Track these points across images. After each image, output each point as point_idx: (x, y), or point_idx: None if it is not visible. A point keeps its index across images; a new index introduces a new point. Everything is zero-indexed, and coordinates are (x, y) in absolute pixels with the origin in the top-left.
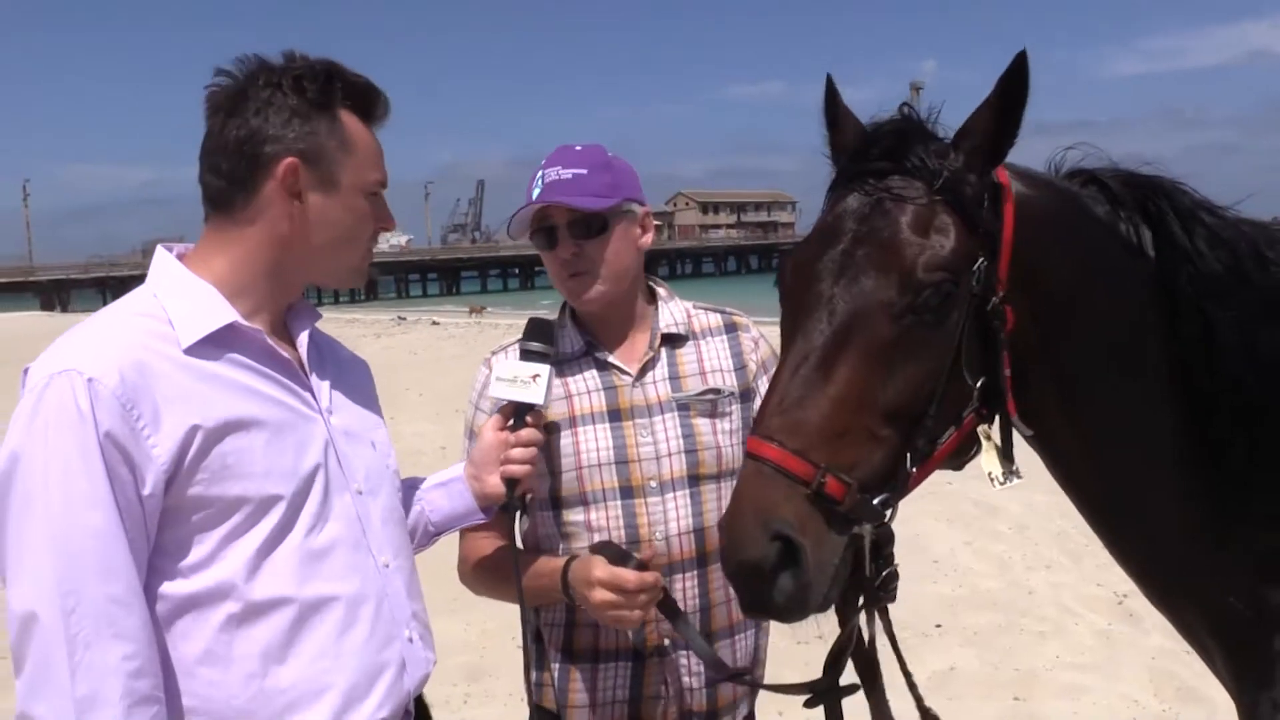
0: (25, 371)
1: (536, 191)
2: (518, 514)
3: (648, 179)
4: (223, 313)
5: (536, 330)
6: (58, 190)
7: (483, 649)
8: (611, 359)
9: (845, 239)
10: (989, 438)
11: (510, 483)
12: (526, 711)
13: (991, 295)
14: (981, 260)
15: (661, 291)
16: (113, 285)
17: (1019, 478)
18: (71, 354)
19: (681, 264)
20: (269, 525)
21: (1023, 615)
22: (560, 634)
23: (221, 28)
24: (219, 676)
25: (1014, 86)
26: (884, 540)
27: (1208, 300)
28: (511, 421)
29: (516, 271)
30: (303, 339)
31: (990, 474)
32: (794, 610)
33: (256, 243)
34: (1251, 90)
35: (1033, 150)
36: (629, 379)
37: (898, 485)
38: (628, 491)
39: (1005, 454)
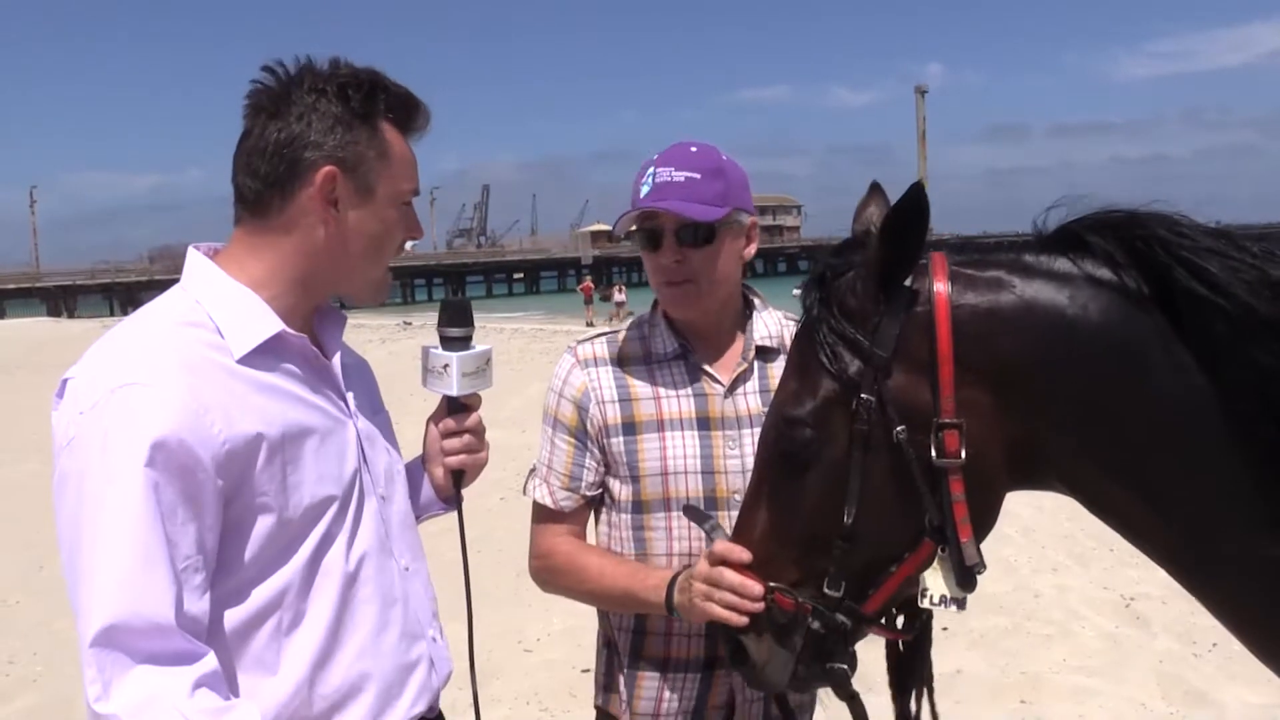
0: (63, 385)
1: (645, 189)
2: (459, 505)
3: None
4: (270, 322)
5: (448, 315)
6: (64, 196)
7: (489, 651)
8: (705, 367)
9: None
10: (939, 557)
11: (456, 474)
12: (530, 714)
13: (893, 427)
14: (861, 399)
15: (756, 301)
16: (119, 291)
17: (960, 608)
18: (128, 368)
19: None
20: (320, 531)
21: (1029, 618)
22: (629, 640)
23: (228, 34)
24: (267, 684)
25: (907, 219)
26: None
27: (1251, 344)
28: (445, 411)
29: (521, 276)
30: (335, 346)
31: (923, 590)
32: (763, 688)
33: (291, 248)
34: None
35: (1053, 150)
36: (720, 389)
37: (854, 602)
38: (711, 503)
39: (959, 579)
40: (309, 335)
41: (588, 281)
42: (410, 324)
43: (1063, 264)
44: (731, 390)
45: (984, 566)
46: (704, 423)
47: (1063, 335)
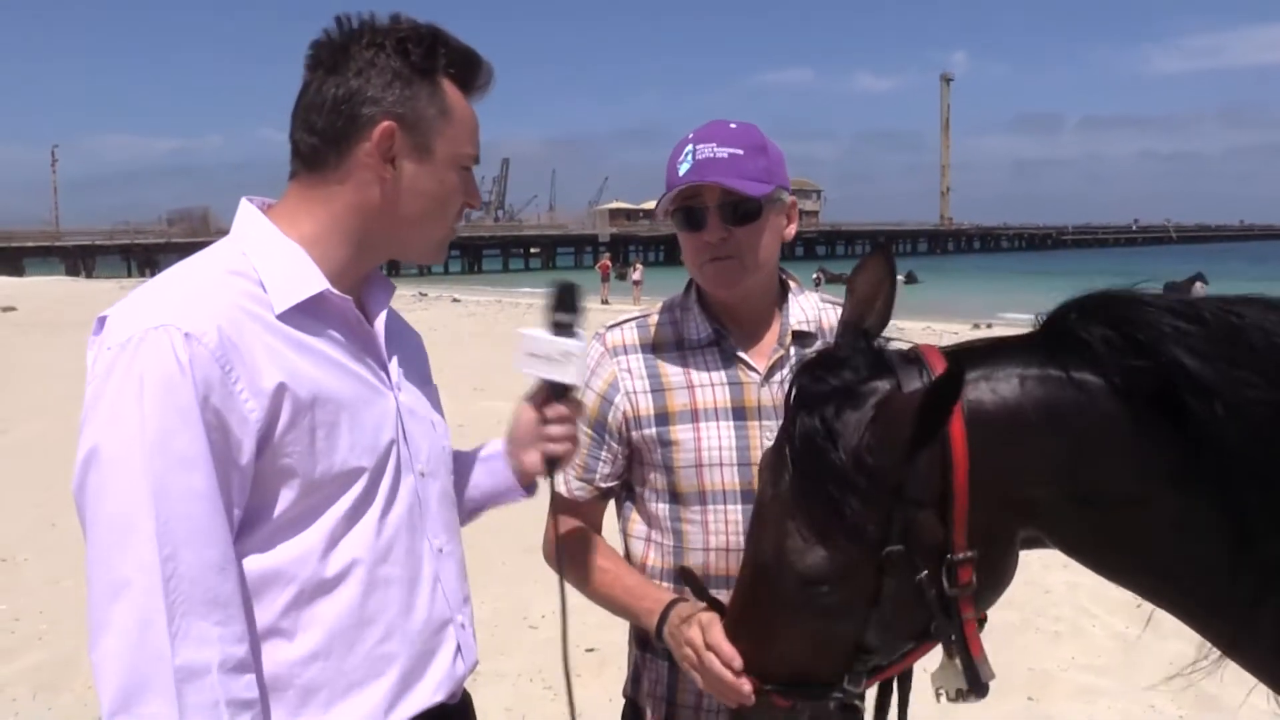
0: (101, 320)
1: (685, 168)
2: (553, 493)
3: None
4: (315, 280)
5: (561, 299)
6: (85, 157)
7: (494, 627)
8: (740, 353)
9: (778, 483)
10: (951, 655)
11: (551, 462)
12: (534, 691)
13: (918, 570)
14: (891, 551)
15: (792, 284)
16: (137, 253)
17: (980, 697)
18: (167, 309)
19: None
20: (348, 501)
21: (1038, 615)
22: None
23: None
24: (283, 654)
25: (942, 401)
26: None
27: (1253, 442)
28: (547, 397)
29: (538, 252)
30: (382, 314)
31: (938, 690)
32: None
33: (344, 205)
34: None
35: (1082, 142)
36: (756, 377)
37: (851, 693)
38: (749, 495)
39: (971, 683)
40: (355, 300)
41: (606, 260)
42: (425, 295)
43: (1070, 371)
44: (768, 378)
45: (993, 674)
46: (740, 412)
47: (1076, 455)
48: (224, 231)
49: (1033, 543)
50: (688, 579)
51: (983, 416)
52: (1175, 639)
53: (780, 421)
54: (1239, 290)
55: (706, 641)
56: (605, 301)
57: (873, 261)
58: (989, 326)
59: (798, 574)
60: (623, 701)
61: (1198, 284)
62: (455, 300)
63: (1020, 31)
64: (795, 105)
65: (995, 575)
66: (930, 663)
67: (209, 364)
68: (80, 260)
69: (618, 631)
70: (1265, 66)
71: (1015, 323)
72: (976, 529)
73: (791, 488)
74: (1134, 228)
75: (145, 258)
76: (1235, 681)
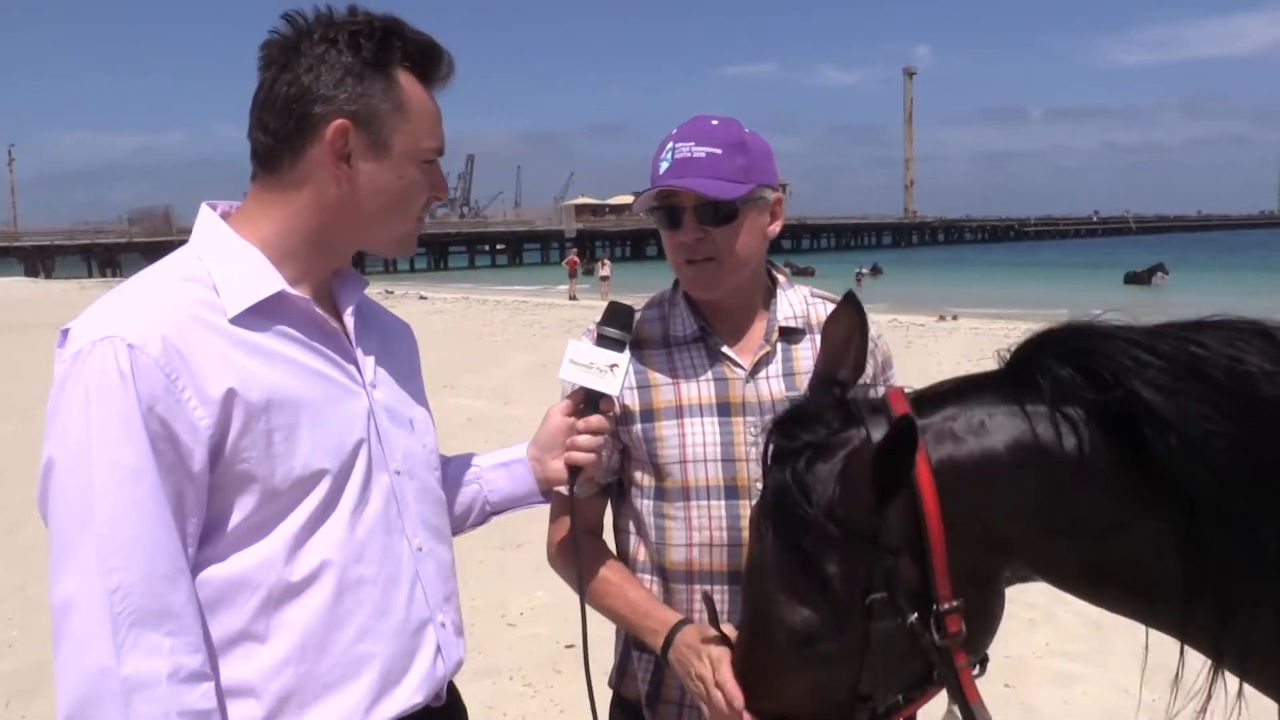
0: (64, 333)
1: (664, 166)
2: (572, 501)
3: (641, 159)
4: (270, 280)
5: (616, 316)
6: (44, 155)
7: (472, 625)
8: (725, 350)
9: (764, 537)
10: (951, 712)
11: (573, 470)
12: (514, 689)
13: (903, 616)
14: (875, 599)
15: (781, 278)
16: (97, 253)
17: None
18: (113, 319)
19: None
20: (313, 503)
21: (1012, 602)
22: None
23: None
24: (256, 658)
25: (899, 455)
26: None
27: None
28: (581, 407)
29: (504, 248)
30: (350, 310)
31: None
32: None
33: (303, 206)
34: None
35: (1046, 134)
36: (742, 373)
37: None
38: (732, 491)
39: None
40: (326, 298)
41: (573, 255)
42: (392, 293)
43: (1036, 407)
44: (753, 374)
45: (990, 718)
46: (724, 408)
47: (1048, 489)
48: (186, 231)
49: (1020, 578)
50: (707, 605)
51: (952, 458)
52: None
53: (762, 417)
54: (1200, 280)
55: (715, 679)
56: (573, 297)
57: (843, 311)
58: (954, 318)
59: (788, 629)
60: (603, 696)
61: (1159, 274)
62: (422, 298)
63: (983, 25)
64: (760, 99)
65: (984, 618)
66: (935, 707)
67: (152, 373)
68: (39, 261)
69: (597, 628)
70: (1222, 59)
71: (979, 314)
72: (959, 573)
73: (772, 545)
74: (1094, 219)
75: (106, 258)
76: (1208, 666)
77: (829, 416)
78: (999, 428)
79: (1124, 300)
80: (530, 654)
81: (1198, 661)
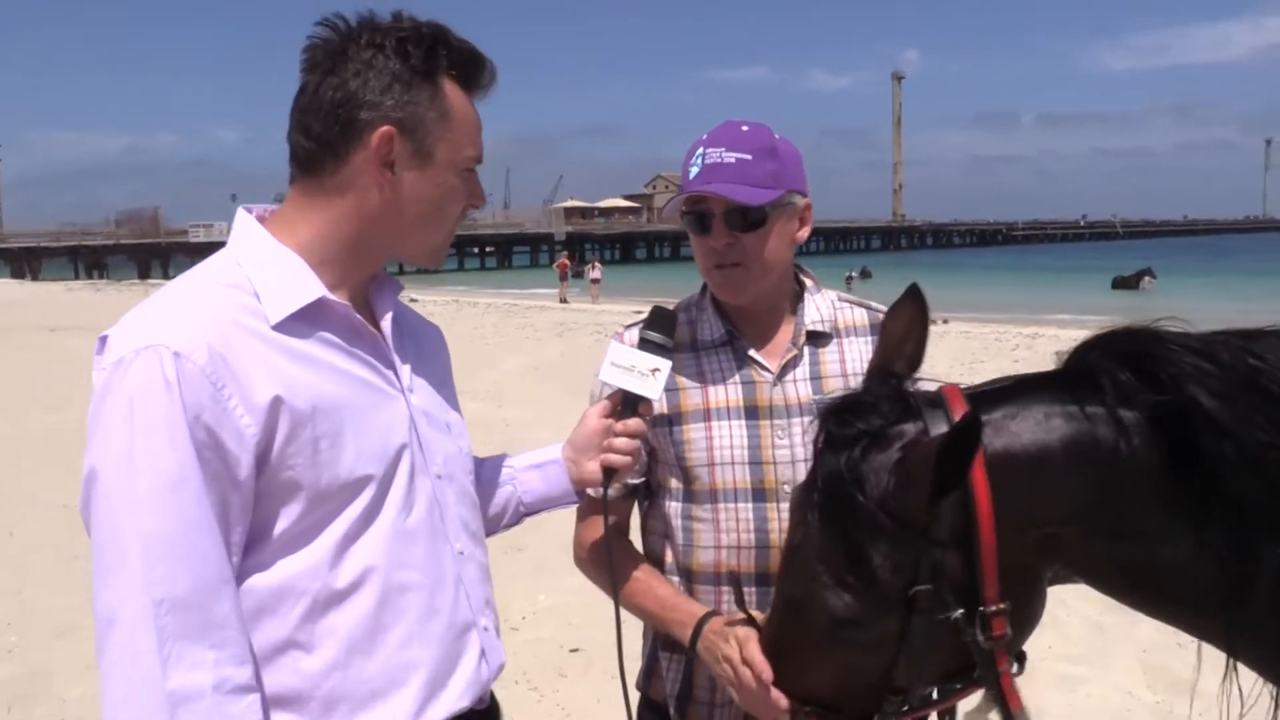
0: (102, 340)
1: (694, 171)
2: (605, 503)
3: (630, 162)
4: (311, 287)
5: (659, 321)
6: (31, 155)
7: None
8: (753, 353)
9: (807, 521)
10: (989, 704)
11: (608, 471)
12: (519, 693)
13: (951, 610)
14: (920, 590)
15: (809, 282)
16: (84, 254)
17: None
18: (156, 326)
19: (660, 247)
20: (357, 509)
21: None
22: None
23: None
24: (302, 665)
25: (963, 450)
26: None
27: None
28: (620, 410)
29: (493, 251)
30: (388, 316)
31: None
32: None
33: (344, 212)
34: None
35: (1038, 139)
36: (769, 376)
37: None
38: (760, 494)
39: None
40: (362, 303)
41: (564, 258)
42: None
43: (1093, 408)
44: (780, 378)
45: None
46: (752, 411)
47: (1100, 491)
48: (174, 233)
49: (1061, 579)
50: (733, 586)
51: (1006, 456)
52: (1146, 623)
53: (789, 420)
54: (1188, 285)
55: (743, 656)
56: (564, 300)
57: (906, 304)
58: (944, 321)
59: (828, 613)
60: (612, 700)
61: (1147, 278)
62: (413, 300)
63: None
64: (751, 102)
65: (1025, 618)
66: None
67: (199, 382)
68: (26, 262)
69: (602, 631)
70: (1211, 65)
71: (970, 318)
72: (1005, 572)
73: (819, 529)
74: (1082, 223)
75: (93, 260)
76: (1209, 668)
77: (885, 407)
78: (1055, 427)
79: (1114, 305)
80: (534, 658)
81: (1204, 665)
